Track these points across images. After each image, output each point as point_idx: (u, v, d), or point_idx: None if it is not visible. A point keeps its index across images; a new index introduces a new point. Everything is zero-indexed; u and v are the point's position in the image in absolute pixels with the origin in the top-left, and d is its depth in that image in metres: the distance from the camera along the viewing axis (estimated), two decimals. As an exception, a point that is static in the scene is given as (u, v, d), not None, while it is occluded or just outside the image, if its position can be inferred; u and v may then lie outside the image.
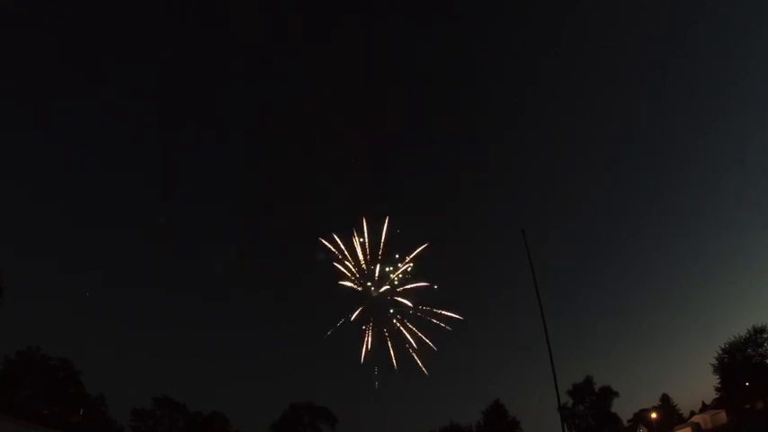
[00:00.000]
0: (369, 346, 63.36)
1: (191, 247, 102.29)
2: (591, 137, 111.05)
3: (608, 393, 66.92)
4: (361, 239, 62.43)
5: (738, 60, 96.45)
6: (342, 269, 63.64)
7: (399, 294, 64.00)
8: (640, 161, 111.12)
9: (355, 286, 62.96)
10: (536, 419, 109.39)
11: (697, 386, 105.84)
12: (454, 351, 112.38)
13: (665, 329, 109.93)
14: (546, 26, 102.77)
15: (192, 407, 63.09)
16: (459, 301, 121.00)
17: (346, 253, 63.23)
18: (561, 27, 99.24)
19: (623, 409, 71.71)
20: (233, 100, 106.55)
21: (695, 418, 69.13)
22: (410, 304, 63.88)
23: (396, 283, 63.34)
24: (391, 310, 64.69)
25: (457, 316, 64.46)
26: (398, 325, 63.13)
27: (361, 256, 62.66)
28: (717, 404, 66.76)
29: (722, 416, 64.86)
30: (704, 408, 70.57)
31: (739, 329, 60.22)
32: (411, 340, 63.73)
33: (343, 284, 63.90)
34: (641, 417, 75.01)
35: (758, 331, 58.46)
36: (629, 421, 74.79)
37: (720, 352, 61.24)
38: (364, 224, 63.63)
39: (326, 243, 63.50)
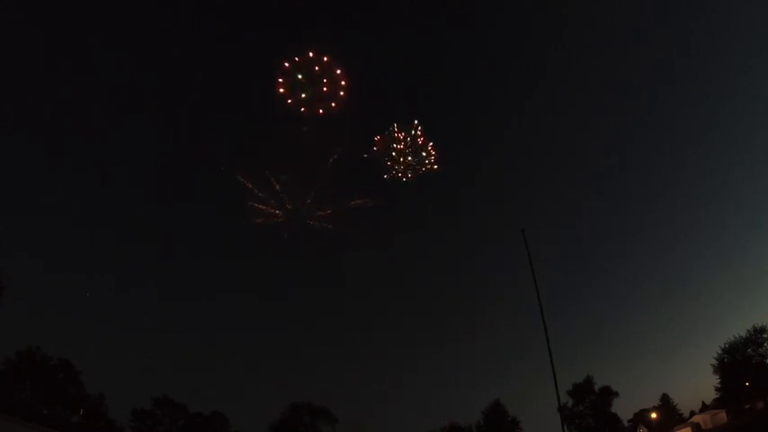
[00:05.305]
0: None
1: (189, 247, 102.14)
2: (591, 136, 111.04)
3: (608, 393, 66.95)
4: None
5: (738, 60, 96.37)
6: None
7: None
8: (640, 161, 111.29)
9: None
10: (536, 419, 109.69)
11: (697, 386, 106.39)
12: (454, 351, 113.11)
13: (665, 329, 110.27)
14: (548, 27, 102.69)
15: (192, 407, 63.21)
16: (459, 300, 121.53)
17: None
18: (564, 27, 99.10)
19: (623, 409, 71.91)
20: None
21: (695, 418, 69.21)
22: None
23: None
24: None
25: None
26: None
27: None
28: (717, 404, 66.79)
29: (722, 416, 64.91)
30: (704, 408, 70.67)
31: (739, 329, 60.55)
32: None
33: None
34: (641, 417, 75.16)
35: (758, 331, 58.63)
36: (629, 421, 74.90)
37: (720, 352, 61.38)
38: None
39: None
